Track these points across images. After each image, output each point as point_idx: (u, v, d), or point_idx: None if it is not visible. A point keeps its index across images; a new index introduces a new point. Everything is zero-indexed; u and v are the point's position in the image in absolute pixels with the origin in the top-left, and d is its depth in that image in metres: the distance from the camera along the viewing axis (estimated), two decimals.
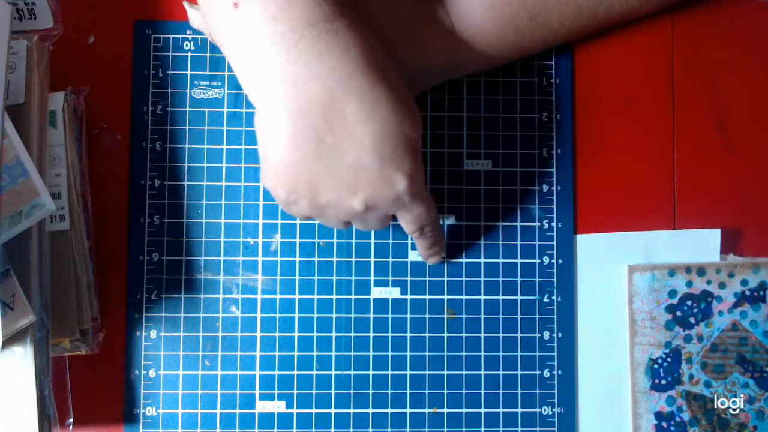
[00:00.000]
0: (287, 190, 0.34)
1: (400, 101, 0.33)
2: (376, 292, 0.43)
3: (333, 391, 0.43)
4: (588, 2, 0.39)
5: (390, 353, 0.43)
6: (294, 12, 0.32)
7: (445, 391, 0.43)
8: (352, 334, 0.43)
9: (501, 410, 0.43)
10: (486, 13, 0.38)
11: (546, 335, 0.43)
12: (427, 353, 0.43)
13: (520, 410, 0.43)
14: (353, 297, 0.43)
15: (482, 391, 0.43)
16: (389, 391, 0.43)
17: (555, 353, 0.43)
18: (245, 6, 0.32)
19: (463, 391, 0.43)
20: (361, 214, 0.35)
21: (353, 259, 0.43)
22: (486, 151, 0.44)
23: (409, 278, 0.43)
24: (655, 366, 0.43)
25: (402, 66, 0.36)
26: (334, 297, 0.43)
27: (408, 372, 0.43)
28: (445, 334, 0.43)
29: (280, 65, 0.32)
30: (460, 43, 0.39)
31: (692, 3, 0.45)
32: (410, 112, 0.34)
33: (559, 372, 0.43)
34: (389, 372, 0.43)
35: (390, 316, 0.43)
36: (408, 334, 0.43)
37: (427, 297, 0.43)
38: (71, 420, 0.40)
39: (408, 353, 0.43)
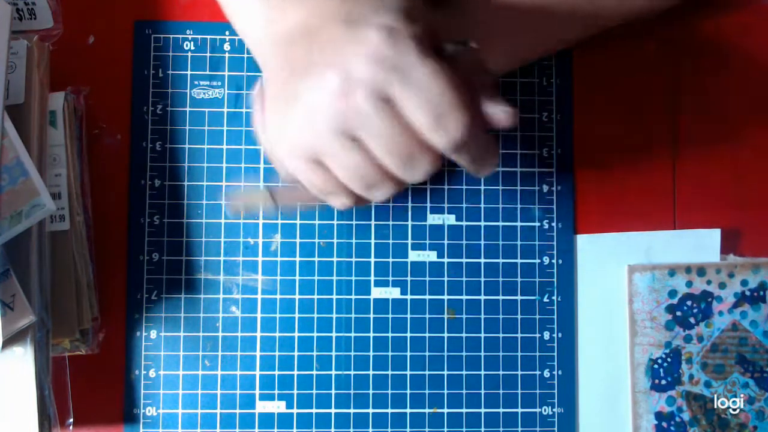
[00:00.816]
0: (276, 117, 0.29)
1: None
2: (376, 292, 0.43)
3: (333, 391, 0.43)
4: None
5: (390, 353, 0.43)
6: None
7: (445, 391, 0.43)
8: (352, 334, 0.43)
9: (501, 410, 0.43)
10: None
11: (546, 335, 0.43)
12: (427, 353, 0.43)
13: (520, 410, 0.43)
14: (353, 297, 0.43)
15: (482, 391, 0.43)
16: (389, 391, 0.43)
17: (555, 353, 0.43)
18: None
19: (463, 391, 0.43)
20: (355, 111, 0.27)
21: (353, 259, 0.43)
22: None
23: (409, 278, 0.43)
24: (655, 366, 0.43)
25: None
26: (334, 297, 0.43)
27: (408, 372, 0.43)
28: (445, 334, 0.43)
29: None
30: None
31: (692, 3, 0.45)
32: None
33: (559, 372, 0.43)
34: (389, 372, 0.43)
35: (390, 316, 0.43)
36: (408, 334, 0.43)
37: (427, 297, 0.43)
38: (71, 420, 0.40)
39: (408, 353, 0.43)
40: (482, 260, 0.44)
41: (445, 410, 0.43)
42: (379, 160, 0.29)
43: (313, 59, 0.28)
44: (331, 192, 0.31)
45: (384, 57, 0.27)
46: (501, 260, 0.44)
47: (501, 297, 0.43)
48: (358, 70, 0.27)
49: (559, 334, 0.43)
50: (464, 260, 0.43)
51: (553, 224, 0.44)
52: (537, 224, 0.44)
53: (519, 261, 0.44)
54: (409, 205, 0.43)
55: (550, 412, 0.43)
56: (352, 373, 0.43)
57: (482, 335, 0.43)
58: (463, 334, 0.43)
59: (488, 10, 0.37)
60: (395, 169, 0.29)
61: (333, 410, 0.42)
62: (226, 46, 0.43)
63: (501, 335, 0.43)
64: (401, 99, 0.27)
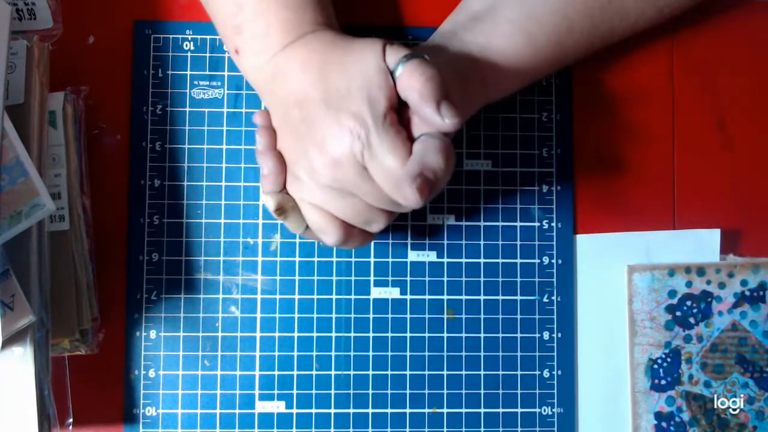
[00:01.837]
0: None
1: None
2: (376, 292, 0.43)
3: (333, 391, 0.43)
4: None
5: (390, 353, 0.43)
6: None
7: (445, 392, 0.43)
8: (352, 334, 0.43)
9: (501, 410, 0.43)
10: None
11: (546, 335, 0.43)
12: (426, 353, 0.43)
13: (519, 410, 0.43)
14: (353, 297, 0.43)
15: (482, 392, 0.43)
16: (389, 392, 0.43)
17: (555, 353, 0.43)
18: None
19: (463, 392, 0.43)
20: (343, 177, 0.34)
21: (353, 259, 0.43)
22: (486, 151, 0.44)
23: (408, 278, 0.43)
24: (655, 366, 0.43)
25: None
26: (333, 297, 0.43)
27: (408, 372, 0.43)
28: (445, 334, 0.43)
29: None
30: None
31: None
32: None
33: (559, 372, 0.43)
34: (389, 372, 0.43)
35: (390, 316, 0.43)
36: (408, 334, 0.43)
37: (427, 297, 0.43)
38: (71, 420, 0.40)
39: (408, 353, 0.43)
40: (482, 260, 0.44)
41: (445, 410, 0.43)
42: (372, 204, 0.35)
43: (307, 133, 0.34)
44: (323, 230, 0.36)
45: (358, 136, 0.33)
46: (500, 260, 0.44)
47: (500, 297, 0.43)
48: (339, 149, 0.33)
49: (559, 334, 0.43)
50: (464, 260, 0.43)
51: (553, 224, 0.44)
52: (536, 224, 0.44)
53: (518, 261, 0.44)
54: None
55: (550, 412, 0.43)
56: (351, 373, 0.43)
57: (482, 335, 0.43)
58: (463, 334, 0.43)
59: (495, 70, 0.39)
60: (385, 208, 0.35)
61: (332, 410, 0.42)
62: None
63: (500, 335, 0.43)
64: (369, 166, 0.33)
